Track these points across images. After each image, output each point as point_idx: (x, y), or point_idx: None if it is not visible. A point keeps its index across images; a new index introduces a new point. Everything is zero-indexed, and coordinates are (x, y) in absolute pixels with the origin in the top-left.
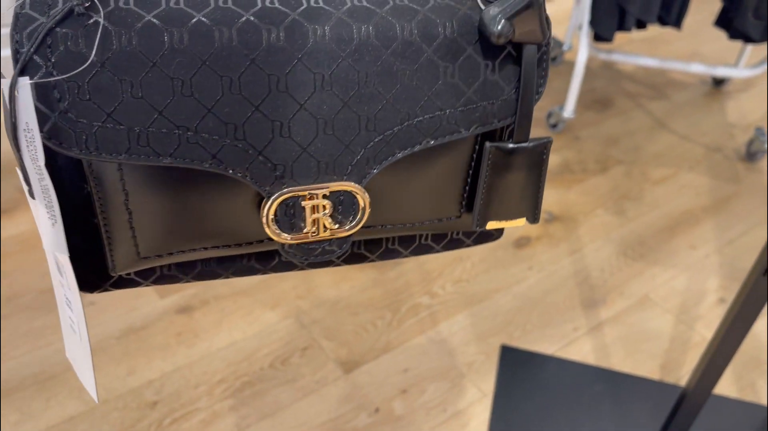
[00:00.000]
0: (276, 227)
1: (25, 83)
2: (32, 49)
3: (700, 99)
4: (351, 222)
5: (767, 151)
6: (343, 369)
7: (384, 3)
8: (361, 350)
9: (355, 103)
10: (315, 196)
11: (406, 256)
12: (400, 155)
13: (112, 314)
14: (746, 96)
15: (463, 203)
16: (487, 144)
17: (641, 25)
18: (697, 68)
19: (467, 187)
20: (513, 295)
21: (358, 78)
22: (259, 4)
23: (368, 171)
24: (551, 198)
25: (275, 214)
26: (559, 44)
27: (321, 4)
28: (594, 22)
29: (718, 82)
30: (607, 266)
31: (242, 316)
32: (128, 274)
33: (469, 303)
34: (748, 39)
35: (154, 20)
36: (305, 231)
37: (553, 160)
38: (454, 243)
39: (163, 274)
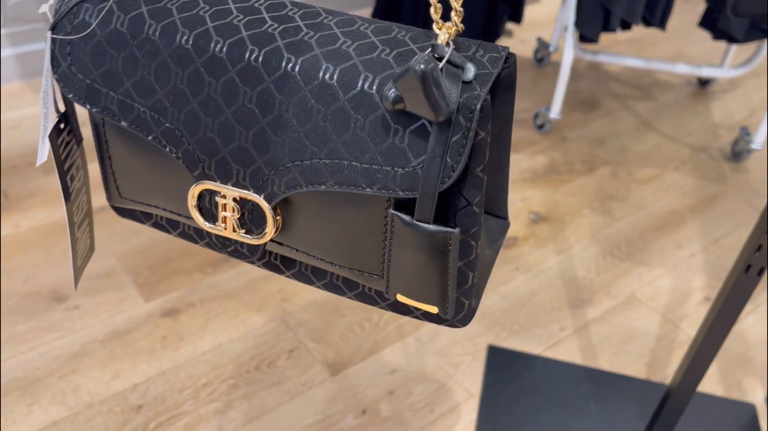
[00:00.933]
0: (197, 211)
1: (49, 36)
2: (63, 14)
3: (686, 99)
4: (258, 233)
5: (752, 150)
6: (330, 371)
7: (329, 43)
8: (347, 352)
9: (271, 126)
10: (226, 196)
11: (317, 287)
12: (305, 189)
13: (97, 318)
14: (731, 96)
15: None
16: (390, 210)
17: (626, 25)
18: (683, 69)
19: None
20: (500, 296)
21: (278, 104)
22: (227, 20)
23: (276, 192)
24: (538, 198)
25: (198, 199)
26: (546, 45)
27: (274, 32)
28: (579, 23)
29: (704, 83)
30: (594, 266)
31: (228, 319)
32: (133, 210)
33: None
34: (731, 39)
35: (145, 12)
36: (217, 224)
37: (540, 160)
38: (365, 298)
39: (157, 222)
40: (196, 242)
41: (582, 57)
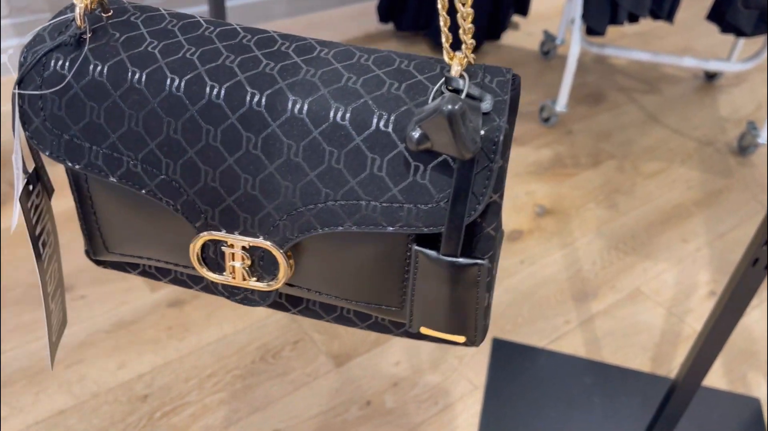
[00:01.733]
0: (202, 262)
1: (16, 92)
2: (31, 66)
3: (693, 93)
4: (270, 280)
5: (758, 144)
6: (335, 363)
7: (334, 81)
8: (352, 343)
9: (279, 171)
10: (234, 245)
11: (327, 320)
12: (321, 231)
13: (103, 308)
14: (738, 90)
15: (404, 297)
16: (414, 247)
17: (633, 18)
18: (690, 62)
19: (405, 282)
20: (504, 289)
21: (286, 148)
22: (218, 62)
23: (289, 237)
24: (543, 191)
25: (202, 250)
26: (552, 39)
27: (272, 71)
28: (586, 16)
29: (711, 77)
30: (599, 259)
31: (233, 310)
32: (118, 262)
33: None
34: (739, 32)
35: (125, 59)
36: (225, 274)
37: (545, 153)
38: (379, 327)
39: (145, 271)
40: (191, 287)
41: (588, 50)
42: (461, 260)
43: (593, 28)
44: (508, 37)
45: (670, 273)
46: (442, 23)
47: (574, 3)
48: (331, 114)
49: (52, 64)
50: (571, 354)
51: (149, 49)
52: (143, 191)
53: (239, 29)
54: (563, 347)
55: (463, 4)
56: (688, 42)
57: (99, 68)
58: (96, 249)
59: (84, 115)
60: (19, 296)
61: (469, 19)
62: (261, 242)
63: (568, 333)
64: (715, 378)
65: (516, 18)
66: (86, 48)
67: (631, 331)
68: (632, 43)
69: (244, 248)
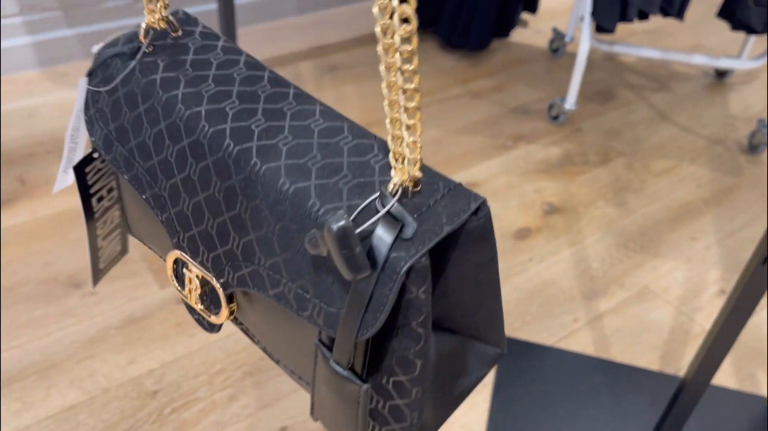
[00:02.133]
0: (173, 274)
1: (84, 81)
2: (98, 65)
3: (703, 91)
4: (215, 313)
5: None
6: None
7: (299, 155)
8: None
9: (231, 221)
10: (192, 270)
11: (281, 368)
12: (252, 290)
13: (113, 304)
14: (749, 88)
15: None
16: (316, 340)
17: (643, 15)
18: (700, 60)
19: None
20: (513, 287)
21: (239, 203)
22: (221, 104)
23: (230, 283)
24: (552, 189)
25: (174, 263)
26: (561, 36)
27: (256, 128)
28: (596, 13)
29: (721, 74)
30: (608, 258)
31: None
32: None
33: None
34: (750, 30)
35: (159, 80)
36: (185, 292)
37: (554, 151)
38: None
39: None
40: None
41: (598, 47)
42: (344, 372)
43: (603, 25)
44: (517, 35)
45: (679, 271)
46: (390, 140)
47: (584, 0)
48: (278, 186)
49: (112, 67)
50: (579, 352)
51: (180, 75)
52: (143, 196)
53: (266, 78)
54: (571, 345)
55: (408, 113)
56: (699, 39)
57: (138, 81)
58: (130, 228)
59: (119, 117)
60: (31, 292)
61: (417, 133)
62: (210, 278)
63: (576, 331)
64: (724, 377)
65: (525, 15)
66: (137, 60)
67: (639, 329)
68: (642, 41)
69: (197, 276)
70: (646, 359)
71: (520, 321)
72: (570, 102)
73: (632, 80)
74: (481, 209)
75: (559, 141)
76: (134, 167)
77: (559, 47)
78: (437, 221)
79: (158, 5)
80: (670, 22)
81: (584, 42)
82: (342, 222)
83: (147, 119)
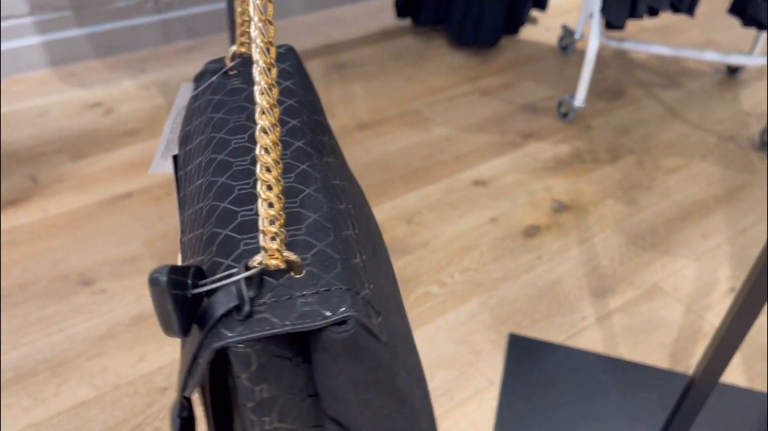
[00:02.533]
0: None
1: (186, 85)
2: (200, 74)
3: (714, 87)
4: None
5: None
6: None
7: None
8: None
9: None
10: None
11: None
12: None
13: (123, 301)
14: (761, 84)
15: None
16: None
17: (653, 12)
18: (711, 56)
19: None
20: (521, 284)
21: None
22: (220, 134)
23: None
24: (561, 187)
25: None
26: (571, 33)
27: (232, 168)
28: (605, 10)
29: (733, 71)
30: (617, 255)
31: None
32: None
33: (478, 292)
34: (761, 26)
35: (213, 100)
36: None
37: (564, 149)
38: None
39: None
40: None
41: (607, 44)
42: (174, 399)
43: (612, 22)
44: (527, 32)
45: (689, 269)
46: (261, 219)
47: None
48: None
49: (204, 78)
50: (588, 350)
51: (230, 102)
52: (178, 196)
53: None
54: (580, 343)
55: (269, 187)
56: (709, 35)
57: (206, 97)
58: None
59: (191, 122)
60: (42, 289)
61: (276, 207)
62: None
63: (585, 329)
64: (734, 375)
65: (534, 12)
66: (214, 80)
67: (649, 327)
68: (652, 37)
69: None
70: (656, 357)
71: (529, 319)
72: (579, 99)
73: (642, 77)
74: (346, 324)
75: (569, 138)
76: (181, 169)
77: (568, 44)
78: (285, 316)
79: (245, 38)
80: (680, 18)
81: (594, 39)
82: (156, 275)
83: (193, 132)
